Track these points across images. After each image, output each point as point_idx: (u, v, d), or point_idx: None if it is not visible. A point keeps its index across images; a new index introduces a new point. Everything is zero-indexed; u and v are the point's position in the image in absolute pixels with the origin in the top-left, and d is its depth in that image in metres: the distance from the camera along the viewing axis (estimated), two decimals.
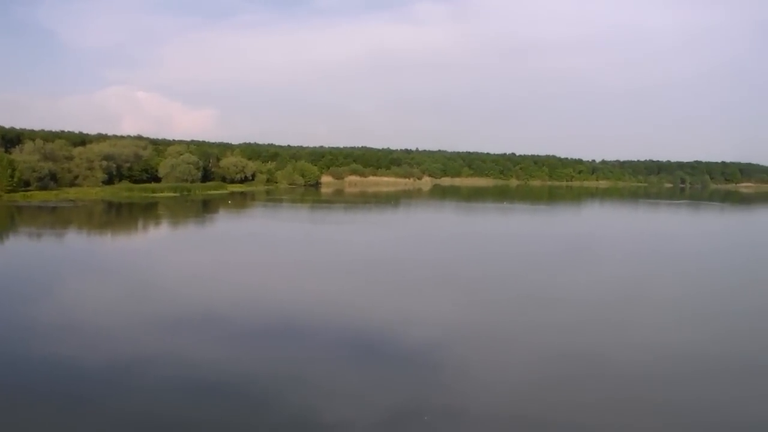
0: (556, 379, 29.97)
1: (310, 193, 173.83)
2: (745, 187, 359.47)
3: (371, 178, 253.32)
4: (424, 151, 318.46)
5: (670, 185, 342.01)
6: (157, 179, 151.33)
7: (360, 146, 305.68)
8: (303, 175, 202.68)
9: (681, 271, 63.11)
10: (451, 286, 51.52)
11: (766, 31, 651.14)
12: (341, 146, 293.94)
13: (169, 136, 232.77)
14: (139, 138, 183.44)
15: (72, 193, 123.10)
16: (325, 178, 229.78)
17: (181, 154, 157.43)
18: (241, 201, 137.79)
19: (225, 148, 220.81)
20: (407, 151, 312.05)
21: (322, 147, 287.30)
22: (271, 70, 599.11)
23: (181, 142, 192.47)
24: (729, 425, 25.70)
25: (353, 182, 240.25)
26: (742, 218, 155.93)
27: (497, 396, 27.96)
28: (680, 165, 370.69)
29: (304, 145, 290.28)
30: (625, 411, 26.53)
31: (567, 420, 25.35)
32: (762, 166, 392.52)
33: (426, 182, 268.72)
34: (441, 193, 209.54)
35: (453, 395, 27.61)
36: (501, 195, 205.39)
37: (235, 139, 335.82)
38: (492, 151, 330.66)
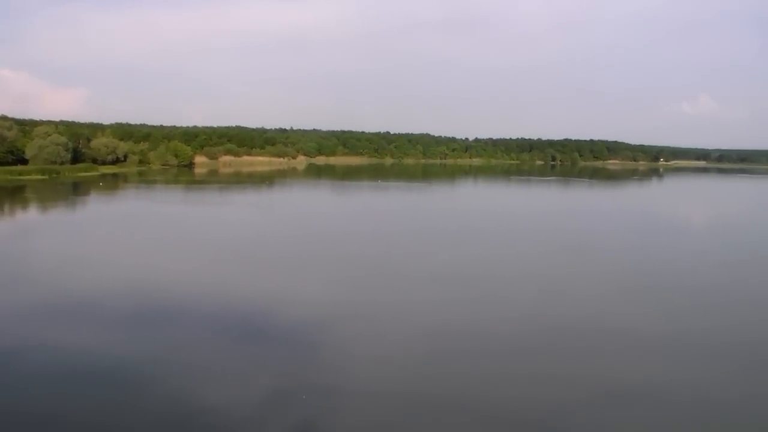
0: (431, 354, 31.53)
1: (183, 174, 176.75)
2: (612, 163, 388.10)
3: (246, 158, 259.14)
4: (299, 130, 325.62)
5: (541, 162, 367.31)
6: (24, 161, 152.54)
7: (234, 126, 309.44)
8: (176, 156, 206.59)
9: (548, 245, 65.70)
10: (327, 266, 52.72)
11: (631, 16, 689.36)
12: (215, 126, 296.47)
13: (37, 117, 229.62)
14: (4, 118, 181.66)
15: None
16: (199, 159, 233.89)
17: (49, 135, 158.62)
18: (114, 183, 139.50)
19: (96, 128, 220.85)
20: (282, 131, 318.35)
21: (195, 127, 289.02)
22: (142, 49, 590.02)
23: (49, 122, 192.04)
24: (596, 391, 27.30)
25: (227, 162, 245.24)
26: (608, 193, 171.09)
27: (373, 372, 29.07)
28: (551, 143, 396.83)
29: (178, 125, 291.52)
30: (500, 383, 28.13)
31: (442, 393, 26.78)
32: (628, 143, 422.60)
33: (301, 161, 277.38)
34: (316, 172, 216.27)
35: (330, 373, 28.54)
36: (375, 173, 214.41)
37: (107, 119, 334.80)
38: (366, 130, 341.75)
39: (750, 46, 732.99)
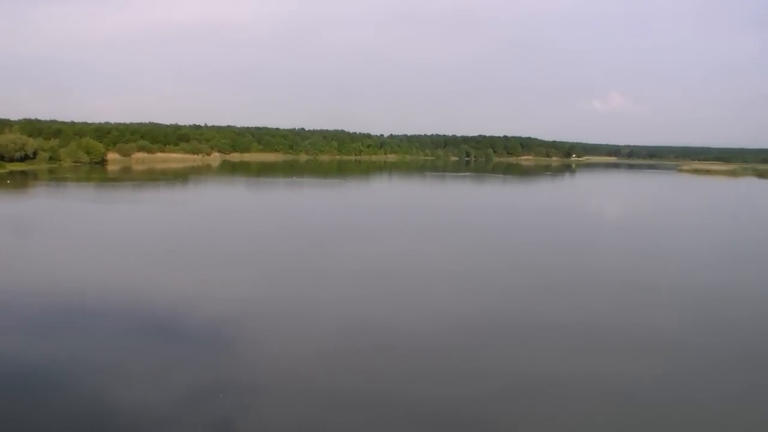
0: (347, 351, 32.50)
1: (96, 172, 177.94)
2: (526, 160, 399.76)
3: (159, 155, 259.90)
4: (213, 126, 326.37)
5: (455, 158, 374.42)
6: None
7: (148, 122, 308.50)
8: (88, 153, 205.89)
9: (464, 241, 68.84)
10: (243, 262, 54.24)
11: (545, 14, 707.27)
12: (128, 122, 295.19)
13: None
14: None
15: None
16: (112, 156, 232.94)
17: None
18: (22, 181, 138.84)
19: (3, 124, 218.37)
20: (196, 127, 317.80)
21: (108, 123, 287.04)
22: (52, 42, 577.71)
23: None
24: (508, 385, 28.91)
25: (141, 159, 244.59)
26: (521, 189, 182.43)
27: (290, 369, 29.73)
28: (465, 139, 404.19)
29: (90, 121, 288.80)
30: (416, 379, 29.03)
31: (359, 389, 27.81)
32: (541, 140, 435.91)
33: (215, 158, 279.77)
34: (231, 169, 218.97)
35: (247, 370, 29.20)
36: (290, 170, 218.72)
37: (14, 114, 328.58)
38: (281, 126, 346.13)
39: (658, 45, 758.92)
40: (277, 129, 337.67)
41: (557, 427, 25.25)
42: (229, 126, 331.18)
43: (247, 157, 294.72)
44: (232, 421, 24.34)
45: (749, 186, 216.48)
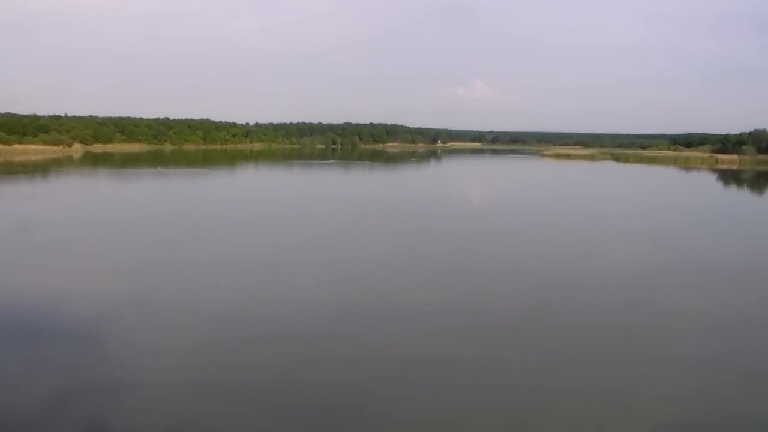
0: (216, 342, 32.45)
1: None
2: (392, 146, 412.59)
3: (17, 147, 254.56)
4: (74, 116, 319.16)
5: (322, 146, 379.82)
6: None
7: (4, 113, 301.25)
8: None
9: (328, 229, 70.36)
10: (103, 254, 53.47)
11: (408, 3, 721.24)
12: None
13: None
14: None
15: None
16: None
17: None
18: None
19: None
20: (56, 117, 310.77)
21: None
22: None
23: None
24: (378, 370, 29.68)
25: None
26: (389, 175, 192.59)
27: (161, 363, 29.54)
28: (331, 127, 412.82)
29: None
30: (286, 368, 29.56)
31: (230, 380, 27.81)
32: (406, 127, 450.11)
33: (77, 149, 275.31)
34: (93, 161, 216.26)
35: (115, 367, 28.69)
36: (155, 160, 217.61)
37: None
38: (145, 116, 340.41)
39: (518, 32, 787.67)
40: (140, 119, 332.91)
41: (426, 409, 26.15)
42: (90, 116, 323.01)
43: (110, 147, 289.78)
44: (101, 421, 23.80)
45: (608, 169, 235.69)
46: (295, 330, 35.13)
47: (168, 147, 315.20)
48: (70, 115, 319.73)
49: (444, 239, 67.05)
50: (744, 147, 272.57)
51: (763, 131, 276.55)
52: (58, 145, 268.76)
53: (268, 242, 62.52)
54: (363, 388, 28.16)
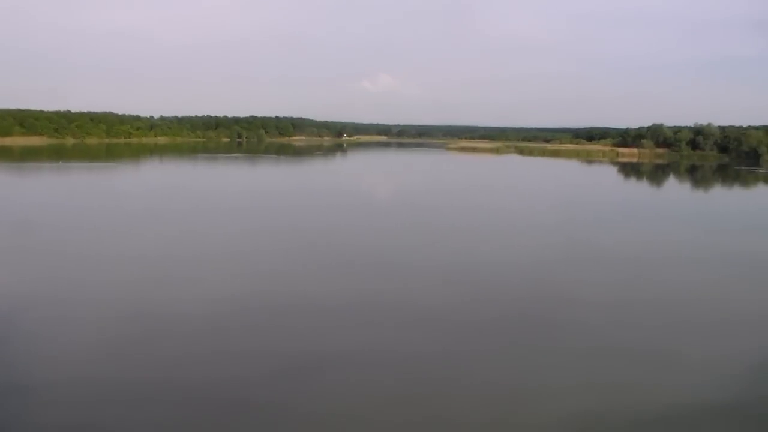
0: (125, 338, 32.07)
1: None
2: (298, 140, 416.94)
3: None
4: None
5: (227, 140, 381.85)
6: None
7: None
8: None
9: (240, 224, 70.36)
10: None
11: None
12: None
13: None
14: None
15: None
16: None
17: None
18: None
19: None
20: None
21: None
22: None
23: None
24: (282, 365, 29.71)
25: None
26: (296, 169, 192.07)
27: (67, 361, 29.03)
28: (237, 120, 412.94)
29: None
30: (193, 364, 29.32)
31: (139, 377, 27.58)
32: (313, 120, 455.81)
33: None
34: None
35: (17, 367, 28.24)
36: (57, 154, 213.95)
37: None
38: (45, 108, 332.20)
39: (424, 29, 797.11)
40: (41, 111, 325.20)
41: (332, 401, 26.65)
42: None
43: (9, 141, 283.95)
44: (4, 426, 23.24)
45: (509, 162, 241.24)
46: (199, 326, 34.96)
47: (69, 141, 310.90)
48: None
49: (350, 234, 67.34)
50: (643, 141, 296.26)
51: (661, 126, 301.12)
52: None
53: (171, 237, 61.93)
54: (266, 382, 28.37)
